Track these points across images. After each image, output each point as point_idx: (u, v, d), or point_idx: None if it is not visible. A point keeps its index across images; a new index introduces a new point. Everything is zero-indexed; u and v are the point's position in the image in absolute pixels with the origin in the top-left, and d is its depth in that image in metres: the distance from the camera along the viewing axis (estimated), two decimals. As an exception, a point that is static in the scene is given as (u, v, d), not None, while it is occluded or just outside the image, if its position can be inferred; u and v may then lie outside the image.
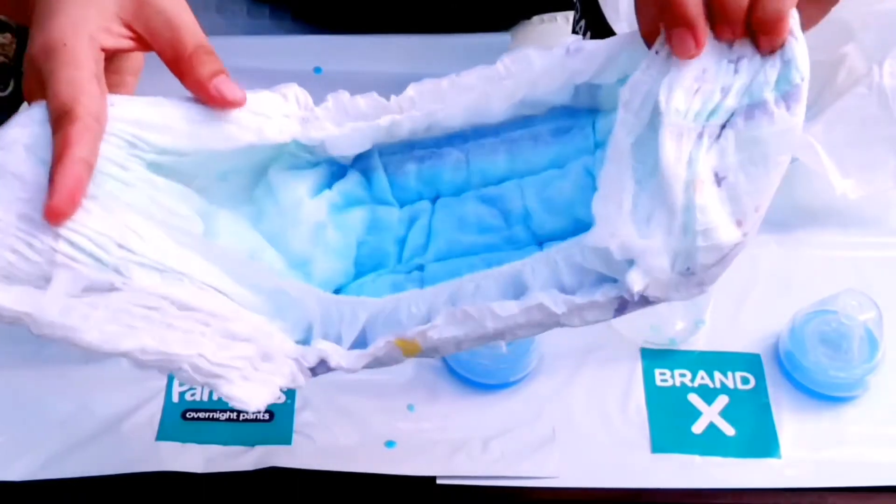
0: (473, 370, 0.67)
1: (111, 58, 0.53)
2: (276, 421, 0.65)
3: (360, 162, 0.57)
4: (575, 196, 0.54)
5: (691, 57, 0.48)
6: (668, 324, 0.70)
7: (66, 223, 0.47)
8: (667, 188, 0.47)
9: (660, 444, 0.65)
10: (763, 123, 0.48)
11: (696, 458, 0.64)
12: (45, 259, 0.47)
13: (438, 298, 0.51)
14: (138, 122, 0.51)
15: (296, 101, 0.55)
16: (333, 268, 0.56)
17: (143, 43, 0.52)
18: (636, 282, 0.47)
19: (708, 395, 0.67)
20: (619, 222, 0.48)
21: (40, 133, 0.48)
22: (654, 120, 0.48)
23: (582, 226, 0.53)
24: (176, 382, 0.67)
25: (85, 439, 0.63)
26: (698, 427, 0.66)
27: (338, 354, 0.51)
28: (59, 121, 0.48)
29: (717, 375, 0.68)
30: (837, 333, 0.67)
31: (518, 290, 0.50)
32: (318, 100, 0.55)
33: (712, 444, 0.65)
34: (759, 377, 0.68)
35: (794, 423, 0.66)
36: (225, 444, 0.64)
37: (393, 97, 0.55)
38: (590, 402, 0.67)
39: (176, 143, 0.51)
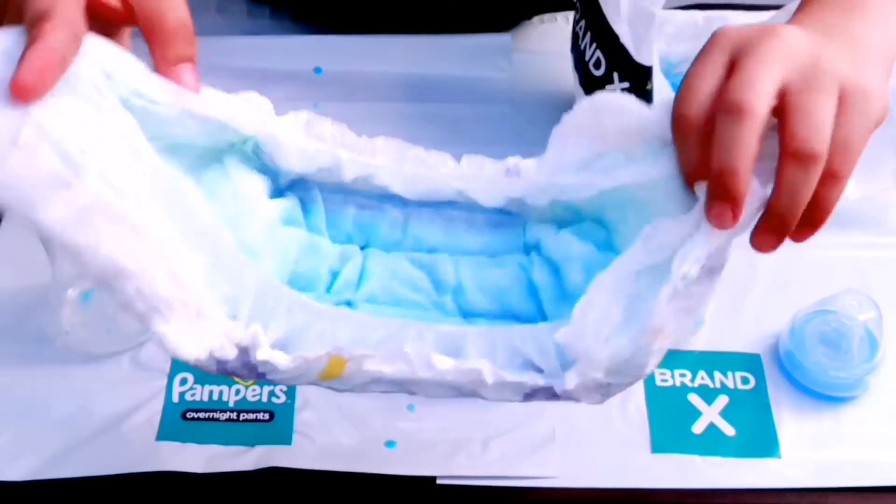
0: (473, 370, 0.67)
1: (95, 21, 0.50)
2: (276, 421, 0.65)
3: (299, 190, 0.57)
4: (509, 287, 0.56)
5: (724, 229, 0.49)
6: (668, 324, 0.70)
7: (35, 109, 0.45)
8: (642, 333, 0.49)
9: (660, 444, 0.65)
10: (704, 287, 0.51)
11: (696, 458, 0.64)
12: (7, 136, 0.44)
13: (377, 330, 0.52)
14: (116, 58, 0.49)
15: (258, 107, 0.54)
16: (277, 270, 0.55)
17: (127, 8, 0.51)
18: (571, 381, 0.50)
19: (708, 395, 0.67)
20: (594, 332, 0.50)
21: (16, 41, 0.46)
22: (661, 265, 0.50)
23: (508, 313, 0.56)
24: (176, 382, 0.67)
25: (85, 439, 0.63)
26: (698, 427, 0.66)
27: (267, 347, 0.50)
28: (34, 22, 0.46)
29: (717, 375, 0.68)
30: (837, 333, 0.67)
31: (454, 351, 0.51)
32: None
33: (712, 444, 0.65)
34: (759, 377, 0.68)
35: (794, 423, 0.66)
36: (225, 444, 0.64)
37: (364, 137, 0.56)
38: (590, 402, 0.67)
39: (150, 88, 0.50)
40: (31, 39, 0.46)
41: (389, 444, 0.64)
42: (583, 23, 0.75)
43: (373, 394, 0.66)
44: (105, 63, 0.49)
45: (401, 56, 0.86)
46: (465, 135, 0.81)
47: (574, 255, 0.55)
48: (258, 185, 0.55)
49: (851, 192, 0.75)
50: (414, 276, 0.56)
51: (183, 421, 0.65)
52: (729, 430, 0.66)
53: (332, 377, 0.50)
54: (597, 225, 0.56)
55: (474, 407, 0.66)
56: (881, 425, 0.66)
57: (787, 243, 0.75)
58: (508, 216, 0.58)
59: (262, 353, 0.49)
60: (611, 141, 0.54)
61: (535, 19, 0.91)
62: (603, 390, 0.51)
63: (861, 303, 0.67)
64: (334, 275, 0.56)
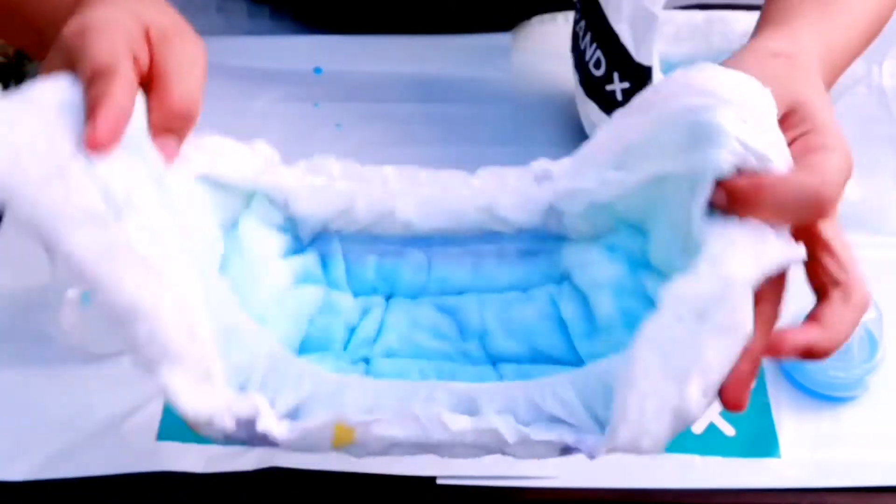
0: (473, 370, 0.67)
1: None
2: (276, 421, 0.65)
3: (320, 244, 0.56)
4: (537, 324, 0.54)
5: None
6: (668, 324, 0.70)
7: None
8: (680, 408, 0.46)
9: (660, 444, 0.65)
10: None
11: (696, 458, 0.64)
12: (55, 166, 0.45)
13: (387, 395, 0.50)
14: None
15: (262, 156, 0.54)
16: (286, 335, 0.54)
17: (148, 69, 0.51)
18: (599, 450, 0.48)
19: (708, 395, 0.67)
20: (649, 420, 0.46)
21: (73, 92, 0.47)
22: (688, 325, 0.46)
23: (539, 355, 0.54)
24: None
25: (85, 439, 0.63)
26: (698, 427, 0.66)
27: (270, 418, 0.49)
28: (97, 76, 0.47)
29: (717, 375, 0.68)
30: (837, 333, 0.67)
31: (470, 409, 0.49)
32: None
33: (712, 444, 0.65)
34: (759, 377, 0.68)
35: (794, 423, 0.66)
36: (225, 444, 0.64)
37: (370, 167, 0.55)
38: (590, 402, 0.67)
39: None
40: (100, 95, 0.46)
41: (389, 444, 0.64)
42: (583, 23, 0.75)
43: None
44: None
45: (401, 56, 0.86)
46: (465, 135, 0.81)
47: (602, 280, 0.53)
48: (271, 247, 0.54)
49: (851, 192, 0.75)
50: (437, 323, 0.55)
51: (183, 421, 0.65)
52: (729, 430, 0.66)
53: (347, 444, 0.49)
54: (635, 232, 0.54)
55: (474, 407, 0.66)
56: (881, 425, 0.66)
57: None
58: (543, 242, 0.55)
59: (262, 425, 0.48)
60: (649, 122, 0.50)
61: (535, 19, 0.91)
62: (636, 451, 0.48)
63: (861, 303, 0.67)
64: (352, 331, 0.55)
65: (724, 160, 0.47)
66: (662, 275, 0.52)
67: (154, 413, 0.65)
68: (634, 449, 0.47)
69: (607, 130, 0.53)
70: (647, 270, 0.53)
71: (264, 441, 0.49)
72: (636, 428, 0.46)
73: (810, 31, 0.55)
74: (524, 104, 0.84)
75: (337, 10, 0.89)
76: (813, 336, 0.48)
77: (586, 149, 0.53)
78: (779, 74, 0.51)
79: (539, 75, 0.86)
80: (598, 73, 0.74)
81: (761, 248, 0.46)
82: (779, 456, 0.65)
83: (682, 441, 0.65)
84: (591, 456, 0.48)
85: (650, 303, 0.52)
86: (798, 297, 0.70)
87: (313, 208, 0.55)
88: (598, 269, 0.54)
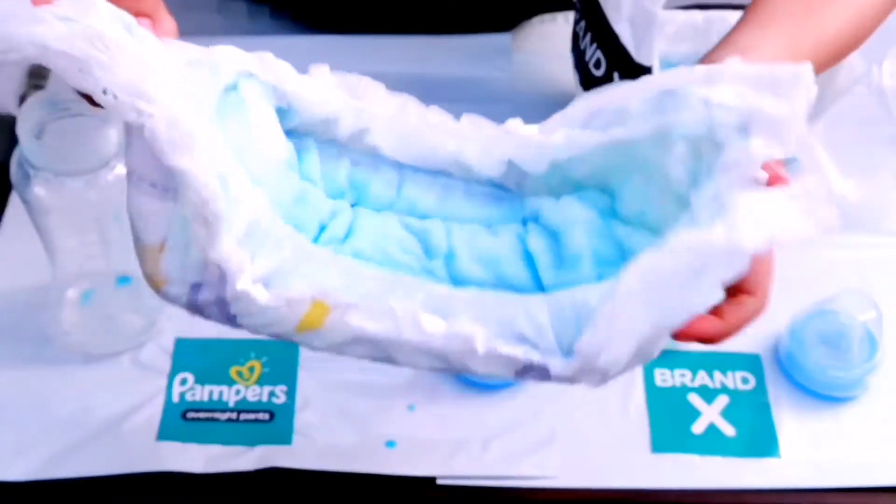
0: (473, 370, 0.67)
1: None
2: (276, 421, 0.65)
3: (294, 139, 0.54)
4: (504, 254, 0.54)
5: None
6: (668, 324, 0.70)
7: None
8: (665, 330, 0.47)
9: (660, 443, 0.65)
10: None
11: (696, 458, 0.65)
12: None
13: (366, 283, 0.49)
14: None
15: (253, 54, 0.52)
16: (277, 203, 0.51)
17: None
18: (564, 373, 0.48)
19: (708, 394, 0.67)
20: (618, 340, 0.47)
21: None
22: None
23: (502, 282, 0.53)
24: (176, 382, 0.67)
25: (85, 439, 0.63)
26: (698, 427, 0.66)
27: (249, 277, 0.45)
28: None
29: (717, 375, 0.68)
30: (837, 334, 0.67)
31: (444, 315, 0.49)
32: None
33: (712, 443, 0.65)
34: (759, 377, 0.68)
35: (793, 423, 0.66)
36: (225, 444, 0.64)
37: (367, 79, 0.54)
38: (590, 402, 0.67)
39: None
40: None
41: (389, 444, 0.64)
42: (583, 23, 0.75)
43: (375, 393, 0.66)
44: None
45: (401, 56, 0.86)
46: (465, 135, 0.81)
47: (576, 219, 0.54)
48: (272, 115, 0.52)
49: (851, 192, 0.75)
50: (404, 238, 0.54)
51: (183, 421, 0.65)
52: (729, 430, 0.66)
53: (311, 329, 0.47)
54: (599, 192, 0.55)
55: (474, 407, 0.66)
56: (881, 425, 0.66)
57: (786, 244, 0.75)
58: (509, 192, 0.56)
59: (243, 283, 0.45)
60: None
61: (535, 19, 0.91)
62: (603, 374, 0.48)
63: (861, 303, 0.67)
64: (322, 228, 0.54)
65: (688, 120, 0.49)
66: (633, 225, 0.53)
67: (154, 413, 0.65)
68: (592, 365, 0.47)
69: (579, 100, 0.54)
70: (616, 220, 0.54)
71: (222, 306, 0.46)
72: (600, 341, 0.47)
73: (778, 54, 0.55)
74: (524, 104, 0.84)
75: (337, 10, 0.89)
76: (714, 326, 0.50)
77: (557, 114, 0.54)
78: None
79: (539, 75, 0.86)
80: (598, 73, 0.74)
81: (779, 222, 0.47)
82: (779, 456, 0.65)
83: (682, 441, 0.65)
84: (557, 378, 0.48)
85: (620, 248, 0.53)
86: (797, 296, 0.70)
87: (300, 107, 0.53)
88: (570, 211, 0.54)
